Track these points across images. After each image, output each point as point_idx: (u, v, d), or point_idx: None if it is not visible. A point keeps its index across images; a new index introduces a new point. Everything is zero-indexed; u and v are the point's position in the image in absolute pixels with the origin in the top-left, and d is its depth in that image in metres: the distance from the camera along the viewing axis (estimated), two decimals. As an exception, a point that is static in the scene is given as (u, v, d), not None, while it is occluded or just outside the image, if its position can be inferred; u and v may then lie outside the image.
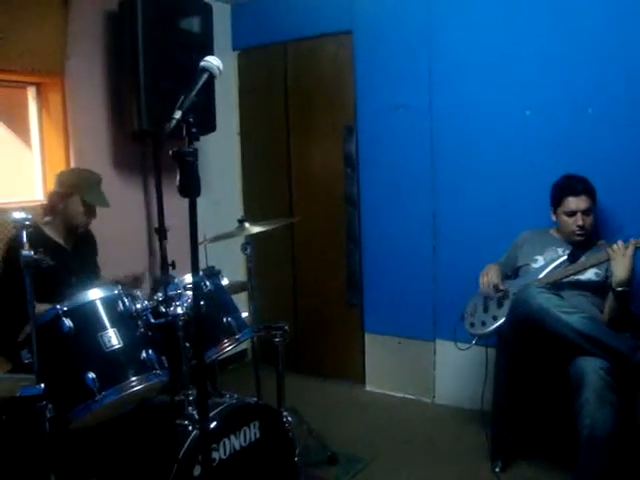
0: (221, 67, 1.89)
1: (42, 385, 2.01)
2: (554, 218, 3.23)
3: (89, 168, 3.15)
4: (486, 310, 3.26)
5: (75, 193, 2.94)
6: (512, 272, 3.36)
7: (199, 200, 1.82)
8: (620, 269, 2.79)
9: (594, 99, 3.31)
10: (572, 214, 3.12)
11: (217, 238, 3.04)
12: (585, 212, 3.10)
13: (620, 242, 2.84)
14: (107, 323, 2.31)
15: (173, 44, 3.59)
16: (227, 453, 2.35)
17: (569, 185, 3.14)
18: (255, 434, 2.48)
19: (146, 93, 3.47)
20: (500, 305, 3.19)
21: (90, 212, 3.01)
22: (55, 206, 2.97)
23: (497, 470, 3.07)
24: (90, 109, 3.65)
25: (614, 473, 2.53)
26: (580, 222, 3.10)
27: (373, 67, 4.00)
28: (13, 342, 2.49)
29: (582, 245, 3.14)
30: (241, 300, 3.19)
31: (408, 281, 4.01)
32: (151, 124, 3.49)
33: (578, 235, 3.13)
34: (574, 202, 3.10)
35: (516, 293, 2.99)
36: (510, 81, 3.54)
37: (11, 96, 3.57)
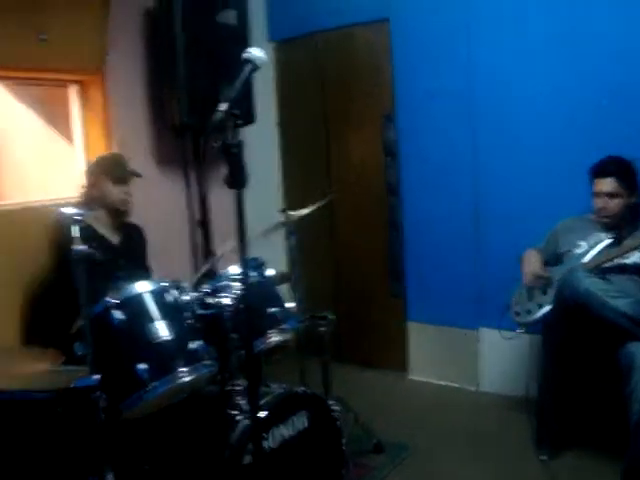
0: (264, 58, 1.89)
1: (96, 376, 2.05)
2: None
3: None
4: (531, 298, 3.22)
5: (101, 174, 2.99)
6: (553, 259, 3.31)
7: (240, 192, 1.82)
8: None
9: (641, 79, 3.24)
10: (597, 196, 3.08)
11: (261, 234, 3.04)
12: (611, 195, 3.04)
13: None
14: (156, 315, 2.34)
15: (211, 37, 3.61)
16: (276, 442, 2.37)
17: (598, 166, 3.10)
18: (303, 423, 2.50)
19: (185, 87, 3.51)
20: (544, 292, 3.15)
21: (121, 185, 3.01)
22: (91, 196, 3.01)
23: (543, 458, 3.05)
24: (130, 105, 3.70)
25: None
26: (600, 204, 3.06)
27: (411, 54, 3.98)
28: (66, 335, 2.54)
29: (625, 228, 3.09)
30: (284, 291, 3.19)
31: (451, 269, 3.99)
32: (191, 118, 3.52)
33: (601, 217, 3.08)
34: (599, 184, 3.06)
35: (561, 279, 2.95)
36: (552, 64, 3.48)
37: (53, 95, 3.63)
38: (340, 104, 4.40)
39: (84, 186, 3.06)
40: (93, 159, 3.45)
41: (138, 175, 3.08)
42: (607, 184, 3.04)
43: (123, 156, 3.13)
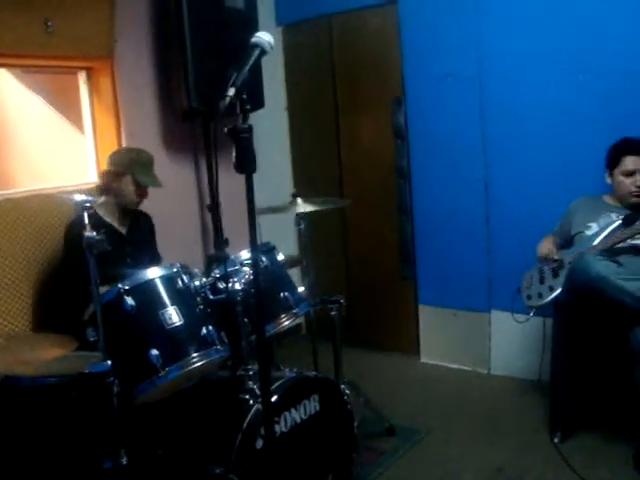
0: (272, 42, 1.88)
1: (109, 362, 2.07)
2: (609, 181, 3.14)
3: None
4: (542, 281, 3.21)
5: (128, 172, 2.96)
6: (566, 241, 3.30)
7: (251, 176, 1.82)
8: None
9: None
10: (630, 174, 3.03)
11: (270, 210, 3.05)
12: None
13: None
14: (167, 301, 2.36)
15: (219, 22, 3.59)
16: (288, 426, 2.38)
17: (629, 145, 3.05)
18: (315, 407, 2.51)
19: (194, 72, 3.50)
20: (556, 275, 3.14)
21: (142, 192, 3.03)
22: (109, 185, 3.01)
23: (556, 441, 3.05)
24: (140, 91, 3.70)
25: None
26: (639, 182, 3.02)
27: (419, 37, 3.94)
28: (78, 321, 2.56)
29: (637, 208, 3.06)
30: (294, 275, 3.20)
31: (462, 252, 3.98)
32: (200, 103, 3.52)
33: (636, 196, 3.04)
34: (633, 161, 3.01)
35: (572, 262, 2.94)
36: (561, 45, 3.44)
37: (62, 82, 3.64)
38: (349, 88, 4.37)
39: (106, 172, 3.05)
40: (123, 147, 3.47)
41: (160, 186, 3.06)
42: None
43: (153, 159, 3.10)
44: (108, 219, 3.01)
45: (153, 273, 2.39)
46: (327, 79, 4.45)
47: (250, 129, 1.79)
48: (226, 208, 3.69)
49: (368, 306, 4.51)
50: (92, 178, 3.62)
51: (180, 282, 2.42)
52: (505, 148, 3.73)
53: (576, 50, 3.40)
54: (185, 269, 2.50)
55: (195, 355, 2.32)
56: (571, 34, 3.41)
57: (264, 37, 1.85)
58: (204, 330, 2.37)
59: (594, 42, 3.34)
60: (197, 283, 2.48)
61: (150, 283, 2.37)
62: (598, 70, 3.35)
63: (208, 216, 3.95)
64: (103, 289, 2.29)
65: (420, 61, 3.96)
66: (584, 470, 2.77)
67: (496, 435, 3.21)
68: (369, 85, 4.27)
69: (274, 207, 3.08)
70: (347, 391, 2.79)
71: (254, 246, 1.84)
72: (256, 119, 3.95)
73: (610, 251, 2.93)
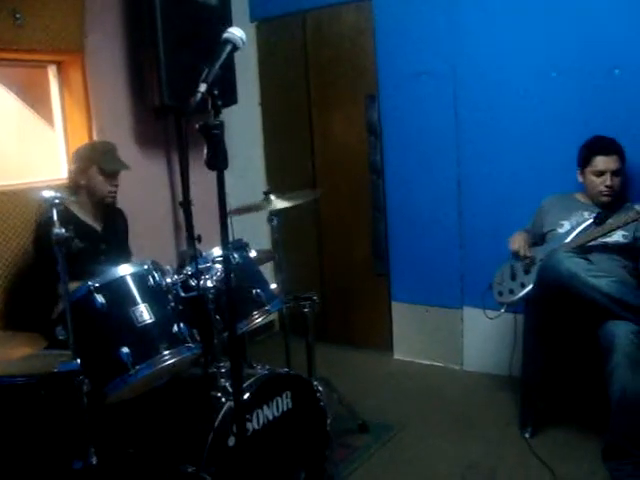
0: (244, 38, 1.87)
1: (78, 360, 2.04)
2: (580, 179, 3.18)
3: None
4: (514, 278, 3.24)
5: (91, 164, 2.95)
6: (538, 239, 3.33)
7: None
8: None
9: (621, 60, 3.24)
10: (601, 174, 3.07)
11: (243, 210, 3.04)
12: (614, 173, 3.05)
13: None
14: (138, 298, 2.33)
15: (192, 17, 3.57)
16: (260, 423, 2.38)
17: (600, 144, 3.09)
18: (287, 404, 2.51)
19: (166, 68, 3.46)
20: (527, 272, 3.17)
21: (111, 180, 3.00)
22: (77, 182, 2.99)
23: (527, 436, 3.09)
24: (111, 86, 3.65)
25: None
26: (609, 182, 3.05)
27: (394, 34, 3.95)
28: (48, 319, 2.53)
29: (609, 207, 3.10)
30: (268, 272, 3.19)
31: (434, 249, 4.00)
32: (172, 99, 3.49)
33: (605, 195, 3.08)
34: (604, 161, 3.05)
35: (543, 259, 2.96)
36: (534, 43, 3.47)
37: (32, 76, 3.58)
38: (323, 84, 4.37)
39: (72, 170, 3.03)
40: (84, 143, 3.43)
41: (127, 168, 3.05)
42: (613, 162, 3.05)
43: (115, 146, 3.08)
44: (83, 216, 2.98)
45: (124, 270, 2.36)
46: (301, 75, 4.43)
47: (221, 125, 1.78)
48: (199, 205, 3.68)
49: (342, 303, 4.52)
50: (63, 174, 3.56)
51: (151, 279, 2.40)
52: (478, 145, 3.75)
53: (549, 48, 3.44)
54: (156, 266, 2.48)
55: (166, 353, 2.29)
56: (544, 32, 3.44)
57: (236, 33, 1.83)
58: (175, 327, 2.35)
59: (567, 40, 3.38)
60: (168, 280, 2.46)
61: (121, 280, 2.34)
62: (571, 68, 3.38)
63: (181, 213, 3.92)
64: (73, 286, 2.26)
65: (394, 58, 3.96)
66: (554, 464, 2.82)
67: (468, 430, 3.23)
68: (343, 81, 4.26)
69: (246, 206, 3.06)
70: (320, 388, 2.79)
71: (225, 243, 1.83)
72: (229, 115, 3.95)
73: (581, 249, 2.97)
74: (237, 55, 1.94)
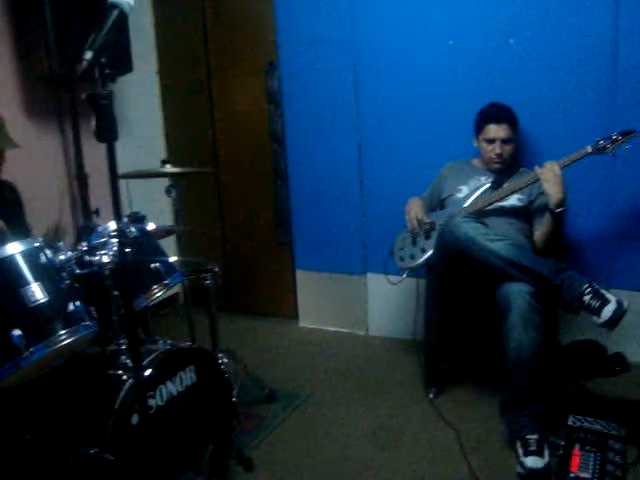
0: (132, 3, 1.79)
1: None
2: (476, 145, 3.25)
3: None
4: (414, 243, 3.30)
5: None
6: (437, 204, 3.39)
7: (121, 144, 1.75)
8: (555, 189, 2.79)
9: (515, 30, 3.31)
10: (491, 141, 3.15)
11: (134, 175, 2.93)
12: (505, 141, 3.13)
13: (548, 162, 2.84)
14: (30, 277, 2.21)
15: (80, -19, 3.39)
16: (164, 399, 2.33)
17: (491, 112, 3.16)
18: (191, 378, 2.47)
19: (55, 34, 3.28)
20: (428, 237, 3.23)
21: None
22: None
23: (431, 396, 3.19)
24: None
25: (539, 391, 2.65)
26: (498, 150, 3.13)
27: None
28: None
29: (504, 172, 3.19)
30: (169, 245, 3.12)
31: (337, 216, 4.02)
32: (63, 66, 3.32)
33: (495, 163, 3.17)
34: (494, 130, 3.13)
35: (442, 224, 3.02)
36: (432, 10, 3.50)
37: None
38: (223, 51, 4.26)
39: None
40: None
41: (15, 146, 2.83)
42: (503, 130, 3.11)
43: (3, 120, 2.86)
44: None
45: (12, 249, 2.23)
46: (199, 42, 4.31)
47: (110, 95, 1.70)
48: (95, 177, 3.55)
49: (246, 272, 4.50)
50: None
51: (43, 257, 2.28)
52: (378, 112, 3.76)
53: (447, 16, 3.47)
54: (49, 243, 2.37)
55: (62, 332, 2.20)
56: (442, 0, 3.47)
57: (123, -3, 1.75)
58: (71, 306, 2.25)
59: (464, 9, 3.42)
60: (62, 257, 2.35)
61: (9, 259, 2.21)
62: (468, 37, 3.43)
63: (76, 186, 3.76)
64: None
65: (293, 25, 3.90)
66: (457, 422, 2.93)
67: (375, 395, 3.29)
68: (243, 49, 4.17)
69: (140, 171, 2.95)
70: (225, 360, 2.76)
71: (118, 216, 1.77)
72: (127, 84, 3.82)
73: (479, 213, 3.04)
74: (133, 22, 1.86)
